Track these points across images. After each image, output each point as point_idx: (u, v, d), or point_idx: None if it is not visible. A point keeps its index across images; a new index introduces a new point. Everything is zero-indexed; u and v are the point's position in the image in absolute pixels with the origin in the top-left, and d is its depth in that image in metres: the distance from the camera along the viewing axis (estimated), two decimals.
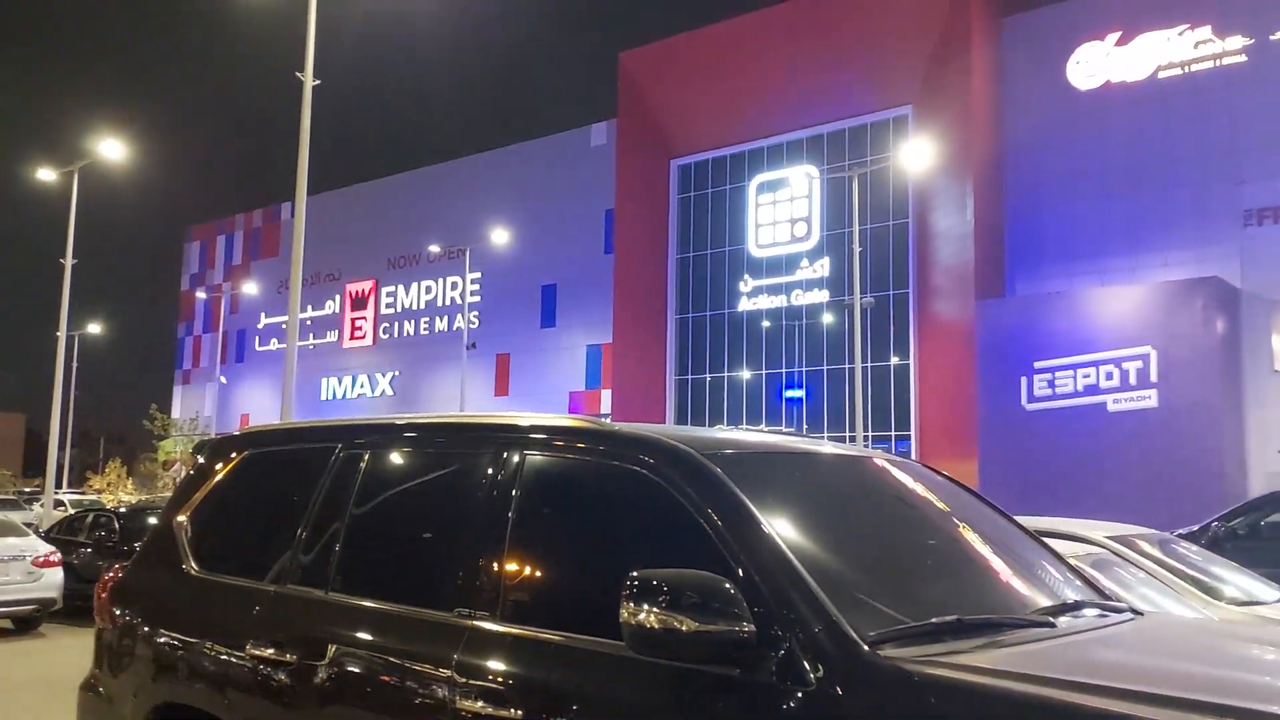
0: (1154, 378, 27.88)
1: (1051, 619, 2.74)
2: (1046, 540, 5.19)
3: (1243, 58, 31.14)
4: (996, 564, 3.15)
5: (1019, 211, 35.06)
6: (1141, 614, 3.13)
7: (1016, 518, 6.96)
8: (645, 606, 2.37)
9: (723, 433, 3.63)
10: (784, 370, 39.84)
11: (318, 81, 17.35)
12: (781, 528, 2.63)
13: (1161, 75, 32.60)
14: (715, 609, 2.36)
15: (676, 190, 43.35)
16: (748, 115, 39.67)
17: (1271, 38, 30.61)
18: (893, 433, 36.05)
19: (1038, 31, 35.09)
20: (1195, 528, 11.23)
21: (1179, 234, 31.21)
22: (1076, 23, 34.14)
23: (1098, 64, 33.76)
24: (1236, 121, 30.80)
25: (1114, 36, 33.44)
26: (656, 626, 2.36)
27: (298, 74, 17.31)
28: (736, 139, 40.87)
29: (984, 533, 3.27)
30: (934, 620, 2.49)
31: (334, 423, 4.06)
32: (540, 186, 47.16)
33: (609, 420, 3.29)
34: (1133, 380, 28.21)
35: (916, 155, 31.04)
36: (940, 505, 3.36)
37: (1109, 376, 28.61)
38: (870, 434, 33.76)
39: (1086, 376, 29.00)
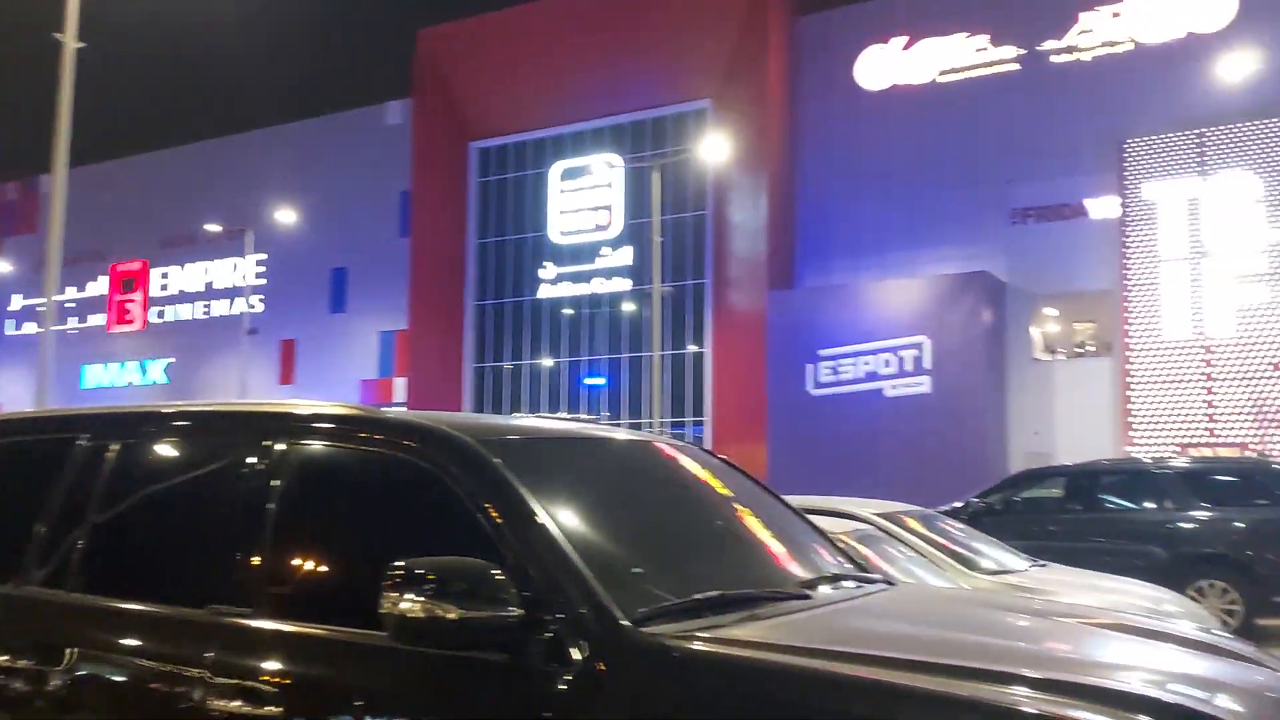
0: (927, 365, 29.75)
1: (809, 591, 2.86)
2: (819, 517, 5.42)
3: (1016, 66, 33.43)
4: (762, 541, 3.27)
5: (809, 206, 36.52)
6: (894, 584, 3.31)
7: (798, 497, 7.25)
8: (409, 596, 2.35)
9: (508, 419, 3.61)
10: (585, 358, 40.11)
11: (81, 44, 16.04)
12: (555, 512, 2.65)
13: (941, 80, 34.58)
14: (482, 595, 2.36)
15: (476, 173, 42.77)
16: (550, 100, 39.60)
17: (1038, 48, 33.04)
18: (688, 418, 36.93)
19: (829, 32, 36.58)
20: (959, 504, 12.01)
21: (953, 231, 33.27)
22: (864, 26, 35.75)
23: (884, 67, 35.49)
24: (1007, 126, 33.06)
25: (899, 41, 35.22)
26: (421, 615, 2.34)
27: (56, 35, 15.94)
28: (538, 124, 40.71)
29: (753, 511, 3.38)
30: (697, 596, 2.56)
31: (82, 411, 3.78)
32: (331, 165, 45.43)
33: (405, 409, 3.21)
34: (908, 367, 30.02)
35: (714, 149, 31.81)
36: (713, 486, 3.46)
37: (887, 364, 30.34)
38: (668, 419, 34.48)
39: (867, 364, 30.65)
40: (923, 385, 29.71)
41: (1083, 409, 30.50)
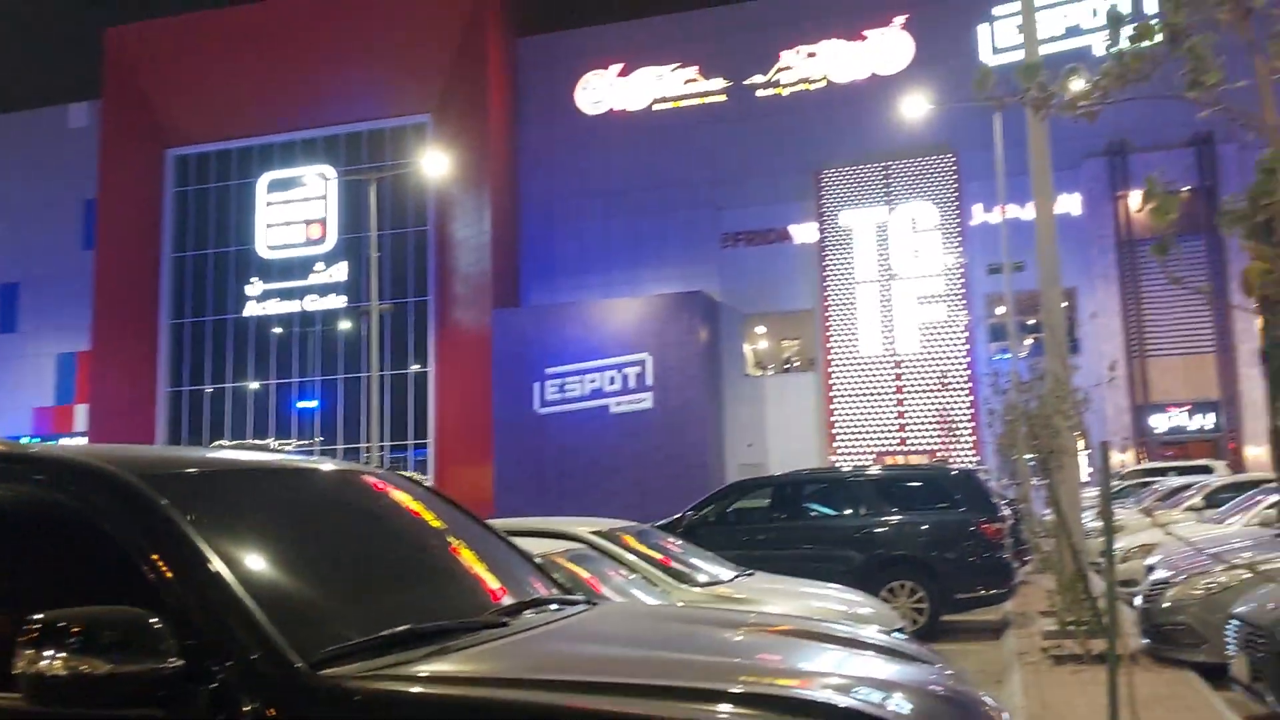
0: (650, 382, 30.74)
1: (506, 619, 2.80)
2: (533, 539, 5.38)
3: (723, 98, 35.29)
4: (463, 570, 3.20)
5: (533, 225, 36.84)
6: (594, 605, 3.30)
7: (516, 520, 7.16)
8: (50, 652, 2.12)
9: (188, 451, 3.34)
10: (297, 379, 38.27)
11: None
12: (227, 551, 2.46)
13: (656, 108, 35.96)
14: (137, 646, 2.17)
15: (173, 182, 40.03)
16: (256, 108, 37.71)
17: (744, 82, 35.01)
18: (410, 440, 36.08)
19: (550, 55, 37.11)
20: (676, 517, 12.30)
21: (671, 252, 34.63)
22: (584, 50, 36.58)
23: (602, 92, 36.46)
24: (716, 155, 34.83)
25: (616, 67, 36.29)
26: (63, 673, 2.11)
27: None
28: (243, 132, 38.67)
29: (455, 541, 3.30)
30: (384, 633, 2.45)
31: None
32: (2, 169, 41.15)
33: (84, 440, 2.83)
34: (632, 384, 30.89)
35: (434, 164, 31.46)
36: (412, 516, 3.34)
37: (612, 381, 31.09)
38: (388, 442, 33.56)
39: (593, 381, 31.25)
40: (646, 401, 30.65)
41: (791, 421, 32.51)
